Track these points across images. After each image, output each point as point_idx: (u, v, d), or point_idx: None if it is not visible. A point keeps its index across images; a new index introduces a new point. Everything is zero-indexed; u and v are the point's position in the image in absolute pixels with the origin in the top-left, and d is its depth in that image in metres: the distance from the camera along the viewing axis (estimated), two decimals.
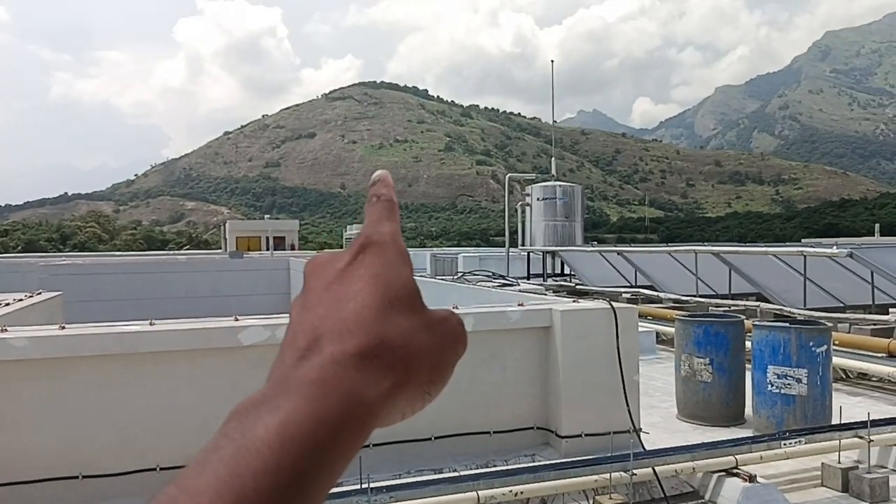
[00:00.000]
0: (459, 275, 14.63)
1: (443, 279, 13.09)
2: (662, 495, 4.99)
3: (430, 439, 5.45)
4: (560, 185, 22.26)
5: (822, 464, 5.54)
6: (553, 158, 24.74)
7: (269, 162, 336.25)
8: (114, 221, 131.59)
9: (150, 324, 5.13)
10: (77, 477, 4.69)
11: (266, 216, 59.68)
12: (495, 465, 5.25)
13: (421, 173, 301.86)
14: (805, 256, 12.00)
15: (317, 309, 0.42)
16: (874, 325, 10.33)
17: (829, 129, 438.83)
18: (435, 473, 4.92)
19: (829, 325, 7.42)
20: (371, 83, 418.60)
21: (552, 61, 29.17)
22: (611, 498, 4.71)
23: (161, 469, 4.71)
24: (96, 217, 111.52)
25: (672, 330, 8.71)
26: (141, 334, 4.97)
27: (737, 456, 5.22)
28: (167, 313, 6.64)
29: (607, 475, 4.79)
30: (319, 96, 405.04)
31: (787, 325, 6.92)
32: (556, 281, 19.84)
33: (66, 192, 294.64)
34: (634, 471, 4.81)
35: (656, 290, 15.22)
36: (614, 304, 6.08)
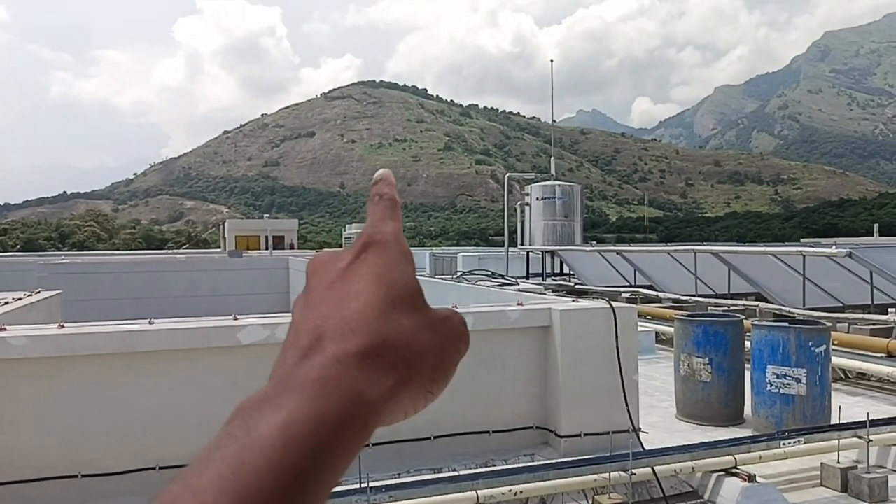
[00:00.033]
0: (459, 274, 14.65)
1: (442, 279, 13.10)
2: (662, 495, 4.99)
3: (429, 438, 5.46)
4: (559, 185, 22.30)
5: (822, 464, 5.55)
6: (552, 158, 24.79)
7: (269, 161, 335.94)
8: (113, 220, 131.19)
9: (150, 323, 5.13)
10: (76, 476, 4.69)
11: (265, 215, 59.64)
12: (494, 465, 5.25)
13: (420, 173, 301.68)
14: (804, 256, 12.02)
15: (319, 308, 0.42)
16: (873, 324, 10.34)
17: (828, 129, 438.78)
18: (434, 473, 4.93)
19: (829, 324, 7.44)
20: (370, 82, 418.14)
21: (551, 61, 29.28)
22: (610, 497, 4.72)
23: (160, 468, 4.71)
24: (95, 216, 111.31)
25: (671, 330, 8.72)
26: (140, 333, 4.97)
27: (736, 456, 5.22)
28: (166, 312, 6.63)
29: (606, 475, 4.79)
30: (319, 95, 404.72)
31: (786, 324, 6.93)
32: (556, 280, 19.84)
33: (65, 191, 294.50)
34: (633, 470, 4.81)
35: (655, 290, 15.23)
36: (613, 303, 6.09)
